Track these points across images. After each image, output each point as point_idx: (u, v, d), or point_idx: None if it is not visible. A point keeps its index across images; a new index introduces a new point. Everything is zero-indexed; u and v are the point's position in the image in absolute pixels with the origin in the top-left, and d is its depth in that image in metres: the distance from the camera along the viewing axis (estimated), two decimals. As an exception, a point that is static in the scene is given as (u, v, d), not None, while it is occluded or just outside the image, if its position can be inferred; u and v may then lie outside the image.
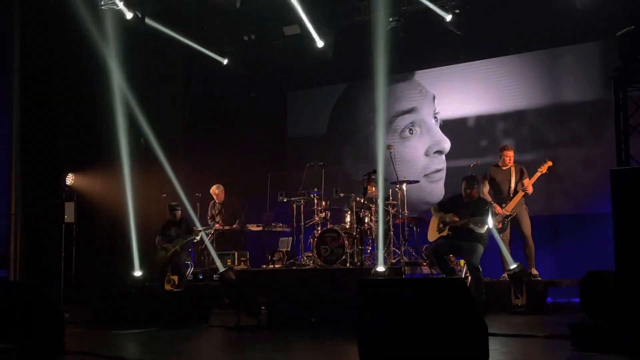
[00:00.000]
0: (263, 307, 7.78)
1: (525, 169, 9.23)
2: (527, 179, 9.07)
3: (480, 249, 8.36)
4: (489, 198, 9.09)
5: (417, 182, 10.54)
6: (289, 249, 10.88)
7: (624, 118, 6.46)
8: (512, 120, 11.25)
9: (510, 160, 9.21)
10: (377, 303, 4.25)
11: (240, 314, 7.60)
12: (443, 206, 8.71)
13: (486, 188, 9.22)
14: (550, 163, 8.99)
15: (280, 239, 11.22)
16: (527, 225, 9.09)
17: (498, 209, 8.99)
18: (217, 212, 11.48)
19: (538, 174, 8.97)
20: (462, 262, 8.87)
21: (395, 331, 4.20)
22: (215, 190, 11.50)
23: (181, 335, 7.23)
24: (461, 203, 8.49)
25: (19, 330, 4.90)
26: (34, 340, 4.84)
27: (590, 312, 5.64)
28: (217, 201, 11.51)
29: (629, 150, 6.41)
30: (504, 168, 9.25)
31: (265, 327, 7.32)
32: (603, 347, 5.27)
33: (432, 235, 8.75)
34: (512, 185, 9.07)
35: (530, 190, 8.97)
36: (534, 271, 8.83)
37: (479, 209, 8.32)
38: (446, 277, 8.01)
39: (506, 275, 8.81)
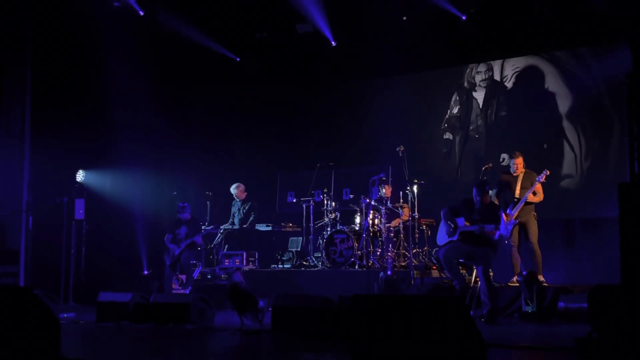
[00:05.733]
0: (268, 309, 7.71)
1: (535, 175, 9.06)
2: (538, 184, 8.94)
3: (491, 254, 8.24)
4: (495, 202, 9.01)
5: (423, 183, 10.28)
6: (298, 249, 10.83)
7: (637, 124, 6.31)
8: (524, 123, 11.08)
9: (517, 167, 9.13)
10: (372, 319, 4.15)
11: (244, 318, 7.52)
12: (454, 210, 8.58)
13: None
14: (548, 172, 8.94)
15: (290, 239, 11.18)
16: (533, 233, 9.04)
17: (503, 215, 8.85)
18: (237, 210, 11.45)
19: (538, 185, 8.93)
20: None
21: (391, 347, 4.10)
22: (234, 189, 11.45)
23: (184, 339, 7.17)
24: (472, 208, 8.37)
25: (13, 337, 4.83)
26: (28, 347, 4.77)
27: (597, 326, 5.51)
28: (238, 199, 11.45)
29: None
30: (514, 175, 9.16)
31: (268, 332, 7.24)
32: (609, 362, 5.15)
33: (442, 239, 8.64)
34: (517, 192, 8.99)
35: (532, 197, 8.86)
36: (540, 277, 8.71)
37: (491, 215, 8.19)
38: (443, 296, 7.88)
39: (514, 280, 8.70)
